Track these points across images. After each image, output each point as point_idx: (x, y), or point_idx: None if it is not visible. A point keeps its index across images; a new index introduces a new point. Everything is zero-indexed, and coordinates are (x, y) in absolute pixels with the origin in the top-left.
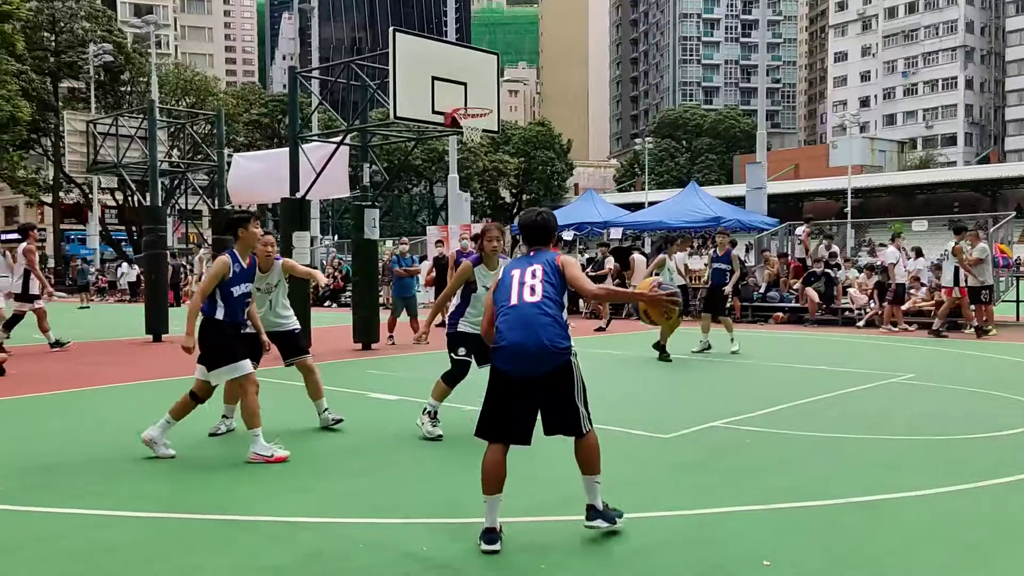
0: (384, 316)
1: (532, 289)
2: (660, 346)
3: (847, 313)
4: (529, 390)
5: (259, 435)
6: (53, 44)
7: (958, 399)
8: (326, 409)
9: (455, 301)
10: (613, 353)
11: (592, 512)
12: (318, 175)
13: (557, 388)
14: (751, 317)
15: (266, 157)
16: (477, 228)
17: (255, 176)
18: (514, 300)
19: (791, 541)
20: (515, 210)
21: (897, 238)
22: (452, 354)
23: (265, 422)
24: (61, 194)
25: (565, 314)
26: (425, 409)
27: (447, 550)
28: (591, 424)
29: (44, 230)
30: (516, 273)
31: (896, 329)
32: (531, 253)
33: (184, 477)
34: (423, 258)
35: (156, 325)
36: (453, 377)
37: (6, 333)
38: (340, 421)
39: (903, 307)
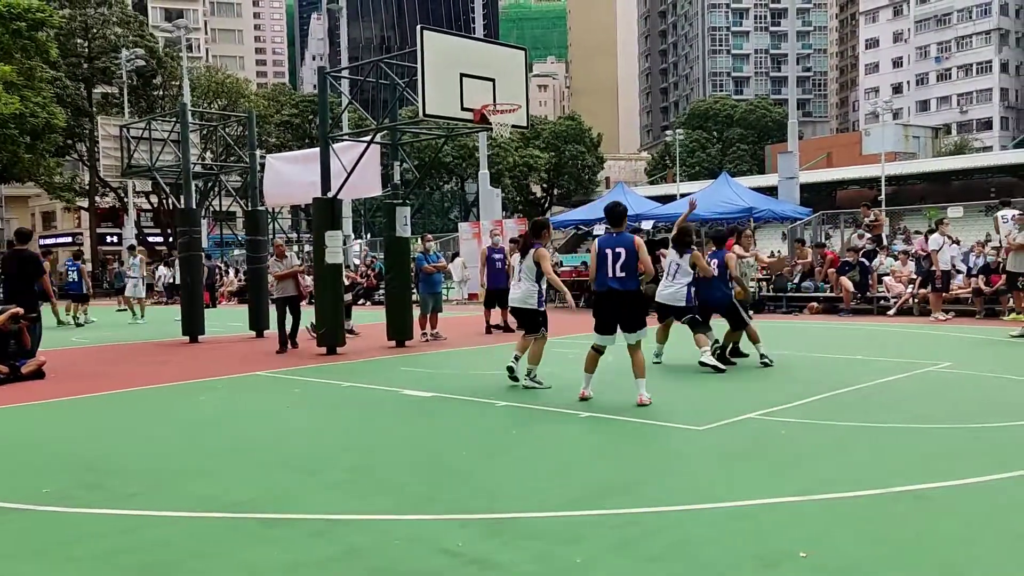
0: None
1: None
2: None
3: (882, 302)
4: None
5: (588, 379)
6: (86, 50)
7: (998, 387)
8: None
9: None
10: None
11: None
12: (349, 174)
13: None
14: (785, 307)
15: (299, 158)
16: (509, 224)
17: (288, 177)
18: None
19: (837, 531)
20: (546, 205)
21: (941, 225)
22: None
23: (305, 417)
24: (97, 198)
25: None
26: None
27: (482, 545)
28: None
29: (81, 234)
30: None
31: (932, 317)
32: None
33: (226, 476)
34: (455, 255)
35: (192, 326)
36: (704, 327)
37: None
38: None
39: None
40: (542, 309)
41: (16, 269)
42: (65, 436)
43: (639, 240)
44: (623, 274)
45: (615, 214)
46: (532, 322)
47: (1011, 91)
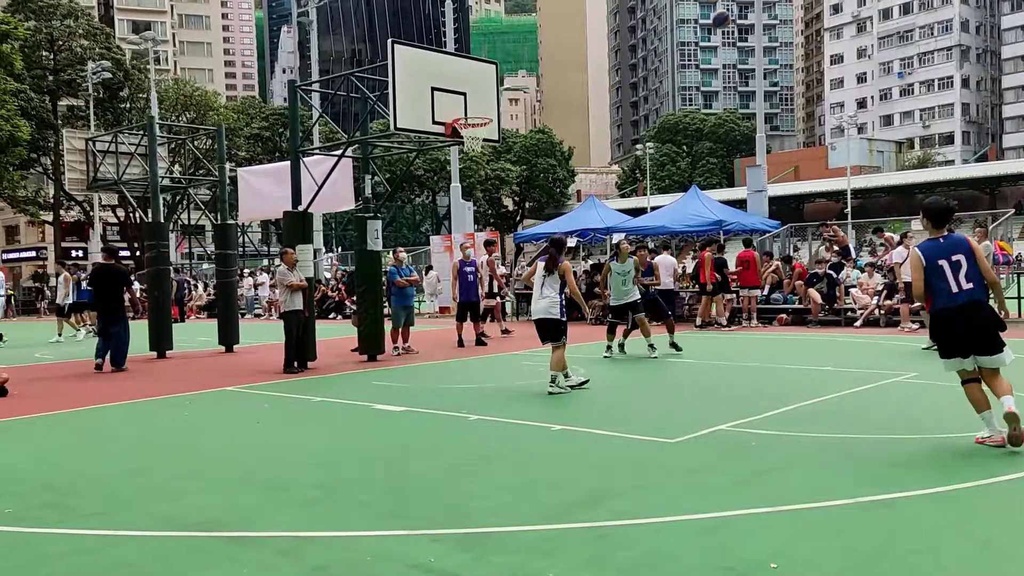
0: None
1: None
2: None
3: (849, 313)
4: None
5: (989, 418)
6: (52, 63)
7: (960, 397)
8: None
9: None
10: (615, 357)
11: None
12: (320, 188)
13: None
14: (755, 319)
15: (271, 172)
16: (481, 237)
17: (262, 192)
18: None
19: (806, 542)
20: (518, 218)
21: (904, 238)
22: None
23: (274, 433)
24: (62, 212)
25: None
26: None
27: (454, 560)
28: None
29: (45, 249)
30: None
31: (900, 327)
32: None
33: (190, 495)
34: (429, 268)
35: (160, 342)
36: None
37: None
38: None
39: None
40: (564, 319)
41: (105, 282)
42: (25, 455)
43: (974, 242)
44: (970, 285)
45: (937, 210)
46: (555, 331)
47: (972, 106)
